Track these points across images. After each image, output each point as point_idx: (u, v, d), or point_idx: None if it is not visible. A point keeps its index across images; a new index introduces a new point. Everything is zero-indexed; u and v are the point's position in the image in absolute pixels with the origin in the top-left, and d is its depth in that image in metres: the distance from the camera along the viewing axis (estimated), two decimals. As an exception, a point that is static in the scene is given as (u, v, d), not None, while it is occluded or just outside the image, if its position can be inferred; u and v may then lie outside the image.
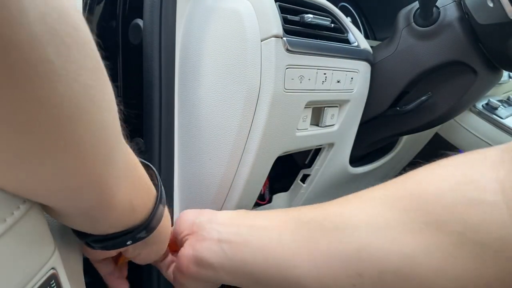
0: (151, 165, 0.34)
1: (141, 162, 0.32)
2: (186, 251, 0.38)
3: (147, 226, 0.31)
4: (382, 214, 0.29)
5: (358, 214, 0.30)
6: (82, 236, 0.29)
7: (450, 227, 0.25)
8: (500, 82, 0.91)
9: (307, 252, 0.31)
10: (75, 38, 0.18)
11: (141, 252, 0.35)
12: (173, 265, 0.41)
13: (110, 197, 0.24)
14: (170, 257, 0.43)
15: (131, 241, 0.31)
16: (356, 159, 0.70)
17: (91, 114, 0.19)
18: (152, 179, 0.33)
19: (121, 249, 0.34)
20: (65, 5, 0.17)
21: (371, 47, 0.60)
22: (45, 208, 0.23)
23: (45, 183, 0.20)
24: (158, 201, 0.32)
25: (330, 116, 0.54)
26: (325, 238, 0.30)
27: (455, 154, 0.29)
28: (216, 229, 0.37)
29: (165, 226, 0.35)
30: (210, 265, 0.36)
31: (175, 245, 0.42)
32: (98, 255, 0.36)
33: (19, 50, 0.15)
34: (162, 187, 0.33)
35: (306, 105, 0.48)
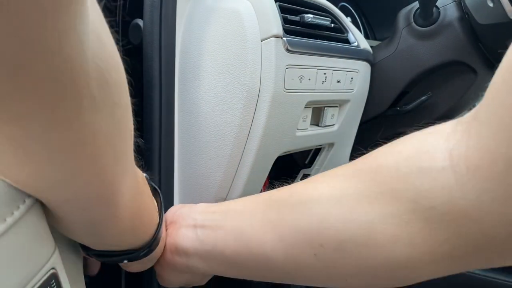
0: (158, 190, 0.37)
1: (150, 186, 0.34)
2: (165, 240, 0.39)
3: (146, 250, 0.33)
4: (343, 186, 0.30)
5: (320, 188, 0.31)
6: (84, 248, 0.31)
7: (404, 195, 0.26)
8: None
9: (274, 229, 0.32)
10: (115, 78, 0.20)
11: (133, 265, 0.37)
12: None
13: (114, 213, 0.25)
14: None
15: (127, 260, 0.33)
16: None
17: (116, 146, 0.21)
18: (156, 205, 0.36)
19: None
20: (111, 49, 0.20)
21: (371, 47, 0.60)
22: (51, 220, 0.24)
23: (64, 191, 0.22)
24: (158, 230, 0.34)
25: (330, 116, 0.54)
26: (290, 213, 0.32)
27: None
28: (193, 216, 0.38)
29: (160, 247, 0.37)
30: (185, 251, 0.37)
31: None
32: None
33: (72, 84, 0.16)
34: (163, 214, 0.36)
35: (306, 105, 0.48)
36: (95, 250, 0.31)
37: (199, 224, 0.37)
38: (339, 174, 0.31)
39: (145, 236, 0.33)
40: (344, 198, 0.29)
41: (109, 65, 0.19)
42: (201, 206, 0.40)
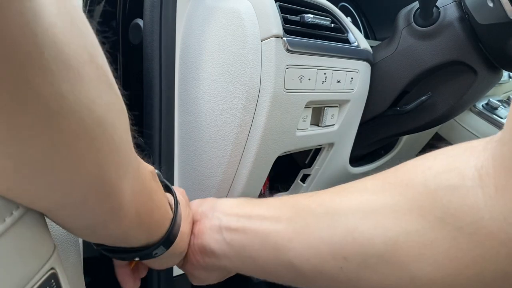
0: (171, 186, 0.36)
1: (162, 183, 0.34)
2: (192, 241, 0.39)
3: (159, 247, 0.32)
4: (370, 200, 0.30)
5: (348, 201, 0.31)
6: (95, 243, 0.31)
7: (431, 213, 0.26)
8: (500, 82, 0.91)
9: (299, 237, 0.32)
10: (89, 72, 0.18)
11: (154, 263, 0.36)
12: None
13: (116, 209, 0.25)
14: None
15: (138, 258, 0.32)
16: (356, 159, 0.70)
17: (109, 133, 0.20)
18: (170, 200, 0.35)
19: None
20: (81, 41, 0.18)
21: (371, 47, 0.60)
22: (55, 219, 0.24)
23: (57, 196, 0.21)
24: (172, 226, 0.33)
25: (330, 116, 0.54)
26: (316, 224, 0.32)
27: (446, 145, 0.30)
28: (217, 216, 0.38)
29: (181, 243, 0.36)
30: (213, 252, 0.37)
31: None
32: None
33: (30, 85, 0.15)
34: (179, 209, 0.35)
35: (306, 105, 0.48)
36: (105, 245, 0.30)
37: (224, 226, 0.37)
38: (368, 186, 0.31)
39: (158, 232, 0.32)
40: (371, 212, 0.29)
41: (81, 58, 0.18)
42: (223, 204, 0.39)
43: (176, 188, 0.39)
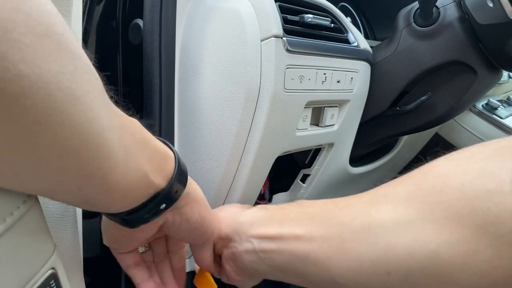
0: (167, 142, 0.33)
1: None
2: (229, 267, 0.40)
3: (173, 183, 0.30)
4: (407, 211, 0.29)
5: (383, 213, 0.30)
6: (111, 214, 0.29)
7: (471, 221, 0.25)
8: (500, 82, 0.91)
9: (338, 255, 0.32)
10: (49, 45, 0.17)
11: (180, 227, 0.34)
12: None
13: (114, 176, 0.23)
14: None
15: (164, 205, 0.30)
16: (356, 159, 0.70)
17: (79, 110, 0.19)
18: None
19: (157, 223, 0.33)
20: (34, 9, 0.17)
21: (371, 47, 0.60)
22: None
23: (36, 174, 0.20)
24: (176, 159, 0.31)
25: (330, 116, 0.54)
26: (355, 241, 0.31)
27: (449, 152, 0.30)
28: (249, 241, 0.38)
29: (196, 185, 0.35)
30: (256, 271, 0.38)
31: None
32: (124, 245, 0.36)
33: None
34: (179, 158, 0.32)
35: (306, 105, 0.48)
36: (118, 212, 0.28)
37: (259, 249, 0.37)
38: (401, 194, 0.30)
39: (167, 171, 0.30)
40: (409, 224, 0.28)
41: (36, 30, 0.17)
42: (248, 224, 0.38)
43: None
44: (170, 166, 0.31)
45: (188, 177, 0.33)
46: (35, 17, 0.17)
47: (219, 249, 0.41)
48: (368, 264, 0.30)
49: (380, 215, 0.30)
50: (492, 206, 0.24)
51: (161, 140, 0.32)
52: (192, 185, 0.34)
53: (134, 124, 0.27)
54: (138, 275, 0.37)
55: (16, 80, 0.16)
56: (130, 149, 0.25)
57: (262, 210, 0.40)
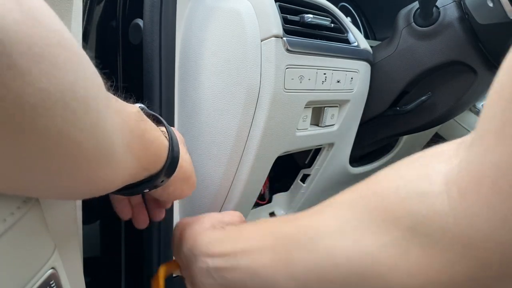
0: (159, 116, 0.35)
1: (149, 115, 0.33)
2: (188, 283, 0.41)
3: (161, 174, 0.32)
4: (348, 216, 0.29)
5: (326, 220, 0.31)
6: None
7: (404, 222, 0.25)
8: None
9: (285, 268, 0.32)
10: (62, 54, 0.17)
11: (169, 192, 0.36)
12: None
13: (113, 169, 0.24)
14: None
15: (148, 189, 0.33)
16: (356, 159, 0.70)
17: (91, 116, 0.19)
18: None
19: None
20: (46, 16, 0.17)
21: (371, 47, 0.60)
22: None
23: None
24: (170, 150, 0.33)
25: (330, 116, 0.54)
26: (299, 251, 0.31)
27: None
28: (203, 261, 0.38)
29: (186, 165, 0.37)
30: None
31: None
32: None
33: (10, 88, 0.15)
34: (173, 137, 0.34)
35: (306, 105, 0.48)
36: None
37: (212, 268, 0.37)
38: (344, 201, 0.31)
39: (159, 162, 0.32)
40: (349, 229, 0.29)
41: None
42: (204, 242, 0.39)
43: None
44: (163, 157, 0.32)
45: (180, 151, 0.35)
46: (49, 25, 0.17)
47: (183, 272, 0.42)
48: (312, 274, 0.30)
49: (322, 223, 0.31)
50: (422, 207, 0.24)
51: (159, 121, 0.34)
52: (182, 162, 0.35)
53: (131, 116, 0.28)
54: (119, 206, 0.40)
55: (37, 93, 0.16)
56: (130, 147, 0.26)
57: (219, 230, 0.40)
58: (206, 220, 0.42)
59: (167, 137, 0.34)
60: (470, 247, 0.22)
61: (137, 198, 0.41)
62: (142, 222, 0.41)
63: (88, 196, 0.25)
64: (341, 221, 0.30)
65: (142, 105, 0.34)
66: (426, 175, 0.25)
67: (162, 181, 0.33)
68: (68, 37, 0.18)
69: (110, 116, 0.22)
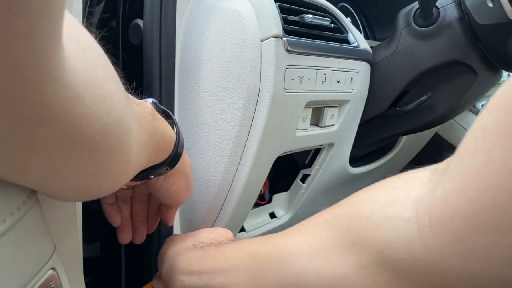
0: (169, 112, 0.37)
1: (160, 110, 0.35)
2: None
3: (166, 164, 0.34)
4: (321, 236, 0.30)
5: (300, 240, 0.31)
6: None
7: (373, 246, 0.26)
8: (500, 82, 0.91)
9: (258, 287, 0.33)
10: (112, 88, 0.20)
11: (169, 183, 0.37)
12: None
13: (127, 169, 0.25)
14: None
15: (153, 176, 0.34)
16: (356, 159, 0.70)
17: (119, 125, 0.21)
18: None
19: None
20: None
21: (371, 47, 0.60)
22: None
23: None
24: (176, 145, 0.34)
25: (330, 116, 0.54)
26: (272, 270, 0.32)
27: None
28: (180, 279, 0.39)
29: (186, 160, 0.38)
30: None
31: None
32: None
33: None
34: (180, 133, 0.36)
35: (306, 105, 0.48)
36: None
37: (188, 286, 0.37)
38: (320, 221, 0.31)
39: (165, 155, 0.33)
40: (322, 249, 0.29)
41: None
42: (183, 263, 0.40)
43: None
44: (169, 149, 0.34)
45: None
46: (96, 48, 0.20)
47: None
48: None
49: (296, 243, 0.31)
50: (392, 232, 0.25)
51: (168, 115, 0.36)
52: (183, 156, 0.37)
53: (148, 118, 0.29)
54: (108, 210, 0.40)
55: (102, 128, 0.19)
56: (145, 146, 0.27)
57: (198, 250, 0.41)
58: (189, 239, 0.42)
59: (175, 131, 0.35)
60: (442, 276, 0.22)
61: (127, 207, 0.41)
62: (138, 237, 0.42)
63: (99, 192, 0.26)
64: (315, 241, 0.30)
65: (154, 100, 0.36)
66: (398, 200, 0.26)
67: (167, 169, 0.35)
68: (112, 69, 0.22)
69: (132, 123, 0.23)
